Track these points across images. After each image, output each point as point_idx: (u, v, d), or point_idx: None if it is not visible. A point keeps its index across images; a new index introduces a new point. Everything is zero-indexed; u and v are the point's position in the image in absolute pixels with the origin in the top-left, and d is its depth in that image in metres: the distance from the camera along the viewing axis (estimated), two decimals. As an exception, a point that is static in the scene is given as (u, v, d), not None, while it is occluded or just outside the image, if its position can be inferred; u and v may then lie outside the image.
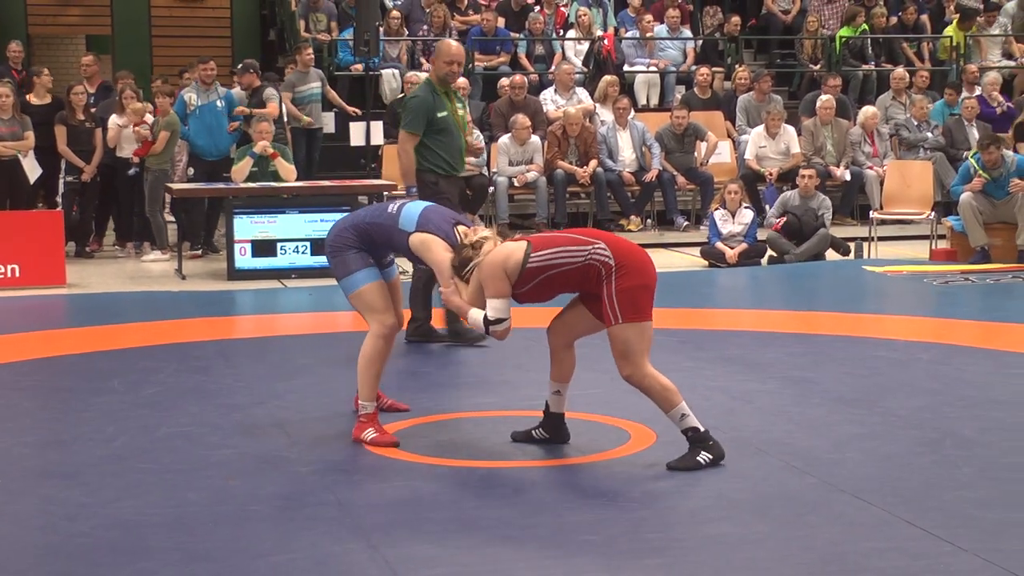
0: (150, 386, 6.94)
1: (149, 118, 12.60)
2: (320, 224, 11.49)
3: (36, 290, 10.89)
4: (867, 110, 14.90)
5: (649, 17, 16.64)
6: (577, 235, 5.44)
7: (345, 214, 6.19)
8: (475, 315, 5.47)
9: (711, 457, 5.35)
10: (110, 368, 7.41)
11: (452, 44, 8.10)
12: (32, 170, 12.36)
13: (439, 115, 7.88)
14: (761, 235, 12.39)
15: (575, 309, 5.60)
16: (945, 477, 5.20)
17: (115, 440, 5.80)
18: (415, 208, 5.78)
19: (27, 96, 13.07)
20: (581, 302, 5.54)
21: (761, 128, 14.34)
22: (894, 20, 17.86)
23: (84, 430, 6.03)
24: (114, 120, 12.72)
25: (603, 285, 5.32)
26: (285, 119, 13.63)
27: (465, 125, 8.26)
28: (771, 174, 13.94)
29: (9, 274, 11.11)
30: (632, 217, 14.07)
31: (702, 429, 5.40)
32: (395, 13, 15.77)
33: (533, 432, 5.79)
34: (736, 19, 17.32)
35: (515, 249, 5.37)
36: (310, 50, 14.54)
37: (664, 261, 12.86)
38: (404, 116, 8.01)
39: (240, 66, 13.93)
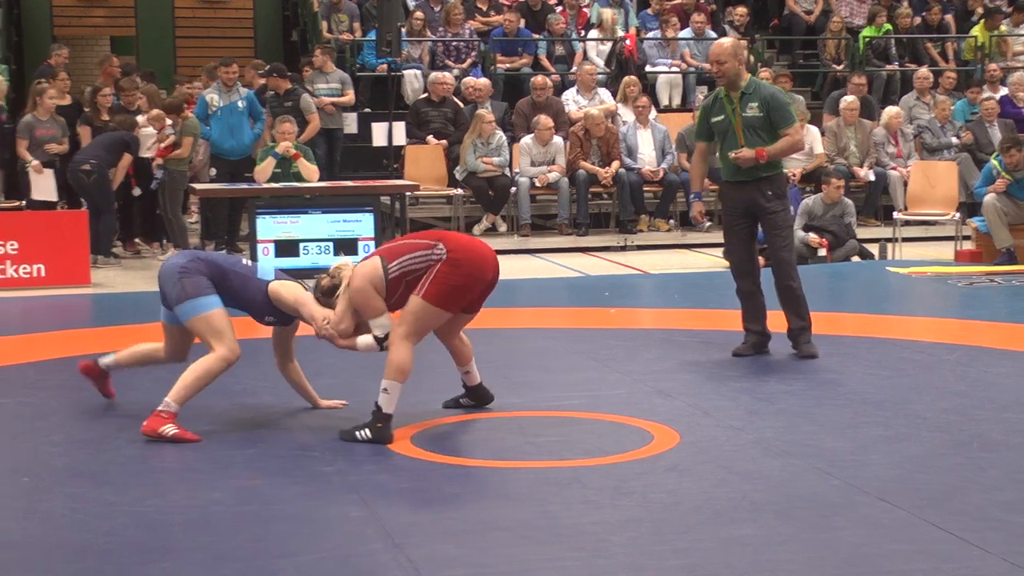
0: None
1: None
2: (343, 224, 11.52)
3: (61, 290, 10.94)
4: (891, 110, 14.85)
5: (675, 20, 16.60)
6: (419, 239, 5.93)
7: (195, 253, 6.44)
8: (364, 340, 5.91)
9: (370, 436, 5.68)
10: (134, 367, 7.42)
11: (717, 43, 7.84)
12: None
13: (714, 120, 7.71)
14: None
15: None
16: (971, 480, 5.17)
17: (140, 439, 5.82)
18: (270, 267, 6.26)
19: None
20: None
21: (784, 128, 14.29)
22: (918, 20, 17.81)
23: (109, 429, 6.06)
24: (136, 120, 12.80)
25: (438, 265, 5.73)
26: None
27: (748, 128, 7.57)
28: (794, 175, 13.89)
29: (35, 274, 11.18)
30: (645, 218, 14.11)
31: (385, 412, 5.68)
32: (418, 14, 15.79)
33: (460, 400, 6.37)
34: (742, 9, 17.29)
35: (373, 265, 5.81)
36: (318, 51, 14.56)
37: (687, 262, 12.86)
38: None
39: (267, 68, 13.94)
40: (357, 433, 5.73)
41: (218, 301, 6.00)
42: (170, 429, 5.79)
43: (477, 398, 6.38)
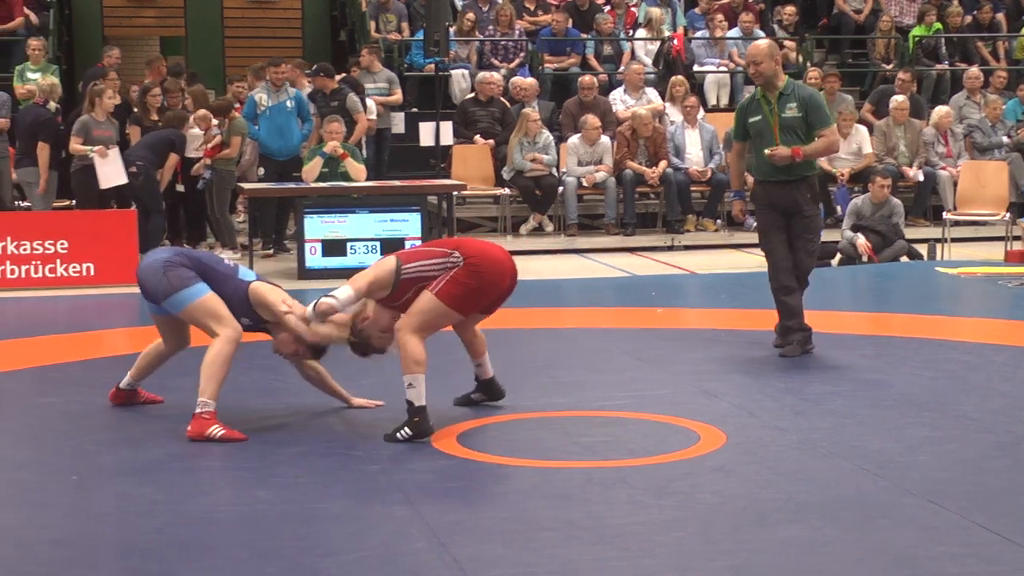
0: (221, 384, 6.98)
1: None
2: (390, 224, 11.55)
3: (110, 288, 11.03)
4: (940, 110, 14.72)
5: (720, 17, 16.55)
6: (436, 247, 6.00)
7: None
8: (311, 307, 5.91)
9: (411, 433, 5.73)
10: (181, 366, 7.44)
11: (754, 44, 7.85)
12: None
13: (751, 120, 7.74)
14: (834, 236, 12.26)
15: None
16: (1020, 482, 5.12)
17: (186, 438, 5.85)
18: (251, 271, 6.32)
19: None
20: None
21: (832, 128, 14.21)
22: (969, 19, 17.66)
23: (156, 427, 6.10)
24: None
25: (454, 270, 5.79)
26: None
27: (785, 128, 7.60)
28: (842, 175, 13.81)
29: (84, 273, 11.30)
30: (692, 218, 14.07)
31: (417, 405, 5.71)
32: (469, 15, 15.81)
33: (471, 396, 6.38)
34: (791, 9, 17.21)
35: (387, 262, 5.93)
36: (365, 51, 14.62)
37: (735, 262, 12.80)
38: None
39: (314, 68, 14.00)
40: (398, 434, 5.75)
41: (206, 287, 6.00)
42: (217, 431, 5.81)
43: (488, 393, 6.38)
